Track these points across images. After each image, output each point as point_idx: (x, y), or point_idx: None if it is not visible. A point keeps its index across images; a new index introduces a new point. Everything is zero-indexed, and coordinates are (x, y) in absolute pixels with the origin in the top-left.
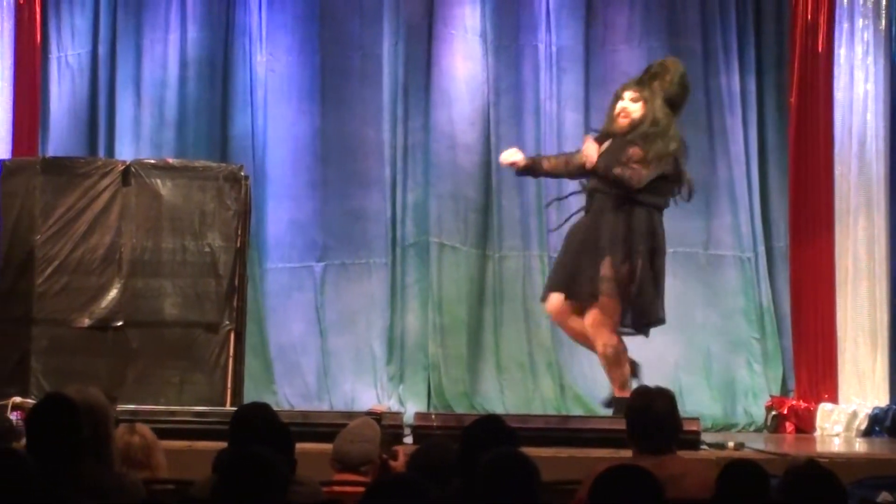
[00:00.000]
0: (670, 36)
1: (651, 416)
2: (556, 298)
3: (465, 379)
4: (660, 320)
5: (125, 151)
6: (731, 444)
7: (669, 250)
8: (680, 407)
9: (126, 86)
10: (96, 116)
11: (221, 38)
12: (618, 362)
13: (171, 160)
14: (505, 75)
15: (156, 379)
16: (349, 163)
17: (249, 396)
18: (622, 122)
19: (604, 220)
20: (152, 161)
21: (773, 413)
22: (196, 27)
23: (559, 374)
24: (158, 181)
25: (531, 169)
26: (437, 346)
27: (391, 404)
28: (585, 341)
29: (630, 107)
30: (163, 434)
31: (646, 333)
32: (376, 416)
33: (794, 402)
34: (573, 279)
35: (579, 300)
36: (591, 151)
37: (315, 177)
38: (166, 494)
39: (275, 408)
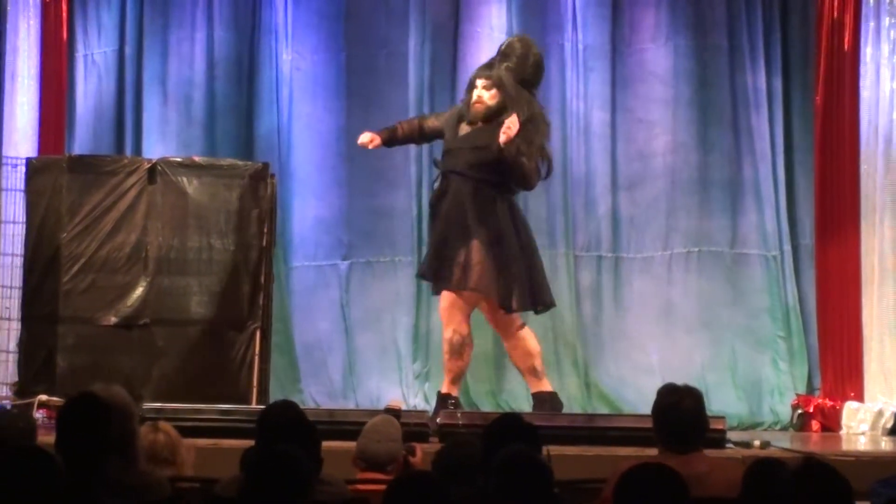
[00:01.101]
0: (696, 34)
1: (679, 414)
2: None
3: (491, 377)
4: (551, 303)
5: (152, 150)
6: (756, 442)
7: (695, 249)
8: (706, 406)
9: (153, 84)
10: (123, 115)
11: (248, 36)
12: (459, 354)
13: (197, 158)
14: None
15: (181, 377)
16: (374, 161)
17: (275, 394)
18: (478, 108)
19: (467, 203)
20: (178, 159)
21: (799, 411)
22: (223, 26)
23: (585, 372)
24: (185, 179)
25: (388, 142)
26: None
27: (417, 402)
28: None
29: (484, 94)
30: (188, 432)
31: (536, 312)
32: (395, 413)
33: (819, 401)
34: (441, 266)
35: (447, 287)
36: (513, 126)
37: (340, 175)
38: (192, 492)
39: (301, 406)
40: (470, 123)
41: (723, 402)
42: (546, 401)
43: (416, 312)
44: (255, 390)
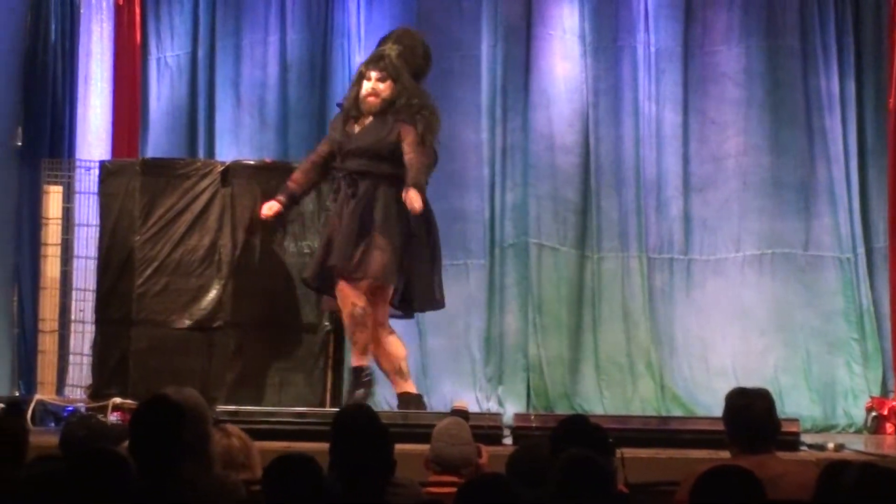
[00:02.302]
0: (768, 36)
1: (751, 416)
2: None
3: (565, 380)
4: (440, 302)
5: (225, 153)
6: (831, 445)
7: (768, 251)
8: (779, 408)
9: (225, 87)
10: (195, 118)
11: (320, 39)
12: (364, 325)
13: (269, 160)
14: (604, 76)
15: (255, 380)
16: (447, 163)
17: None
18: (372, 101)
19: (376, 203)
20: (251, 162)
21: (873, 414)
22: (295, 29)
23: (658, 374)
24: (257, 182)
25: (290, 200)
26: (537, 346)
27: (490, 405)
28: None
29: (379, 86)
30: (262, 435)
31: (409, 315)
32: (464, 415)
33: (894, 403)
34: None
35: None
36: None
37: None
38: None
39: (374, 409)
40: (359, 119)
41: (797, 404)
42: (411, 402)
43: (489, 315)
44: (328, 393)
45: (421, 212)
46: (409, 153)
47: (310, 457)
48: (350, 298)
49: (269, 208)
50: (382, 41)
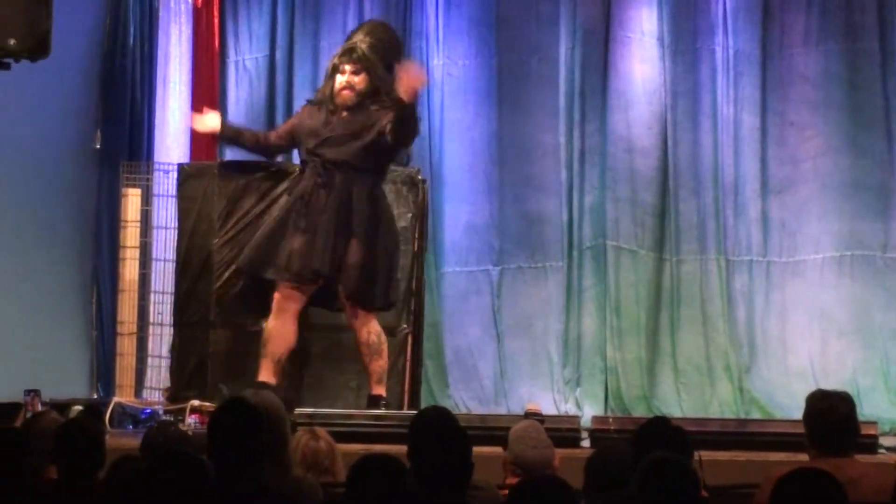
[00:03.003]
0: (847, 38)
1: (832, 420)
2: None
3: (643, 382)
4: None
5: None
6: None
7: (847, 253)
8: (857, 411)
9: (303, 90)
10: (273, 120)
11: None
12: (380, 353)
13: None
14: (682, 79)
15: (333, 382)
16: (525, 166)
17: (426, 400)
18: (347, 94)
19: (354, 198)
20: None
21: None
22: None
23: (737, 376)
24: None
25: (231, 138)
26: (615, 349)
27: (568, 408)
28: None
29: (353, 79)
30: (340, 438)
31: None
32: (539, 417)
33: None
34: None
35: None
36: (418, 78)
37: (492, 180)
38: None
39: (452, 411)
40: (336, 112)
41: (875, 406)
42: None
43: (567, 318)
44: (406, 395)
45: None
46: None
47: (394, 457)
48: (370, 322)
49: (209, 122)
50: (353, 33)
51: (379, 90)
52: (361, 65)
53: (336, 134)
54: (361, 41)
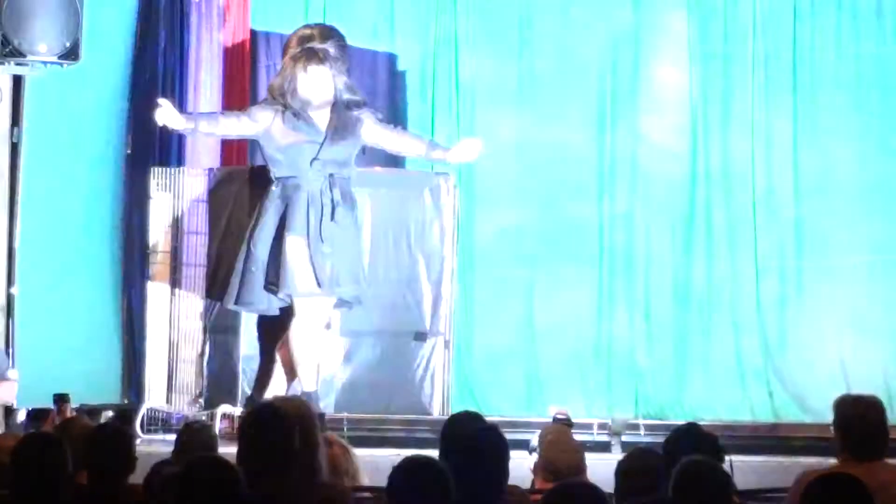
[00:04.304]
0: (878, 42)
1: (864, 425)
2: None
3: (674, 387)
4: None
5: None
6: None
7: (878, 257)
8: (889, 414)
9: None
10: None
11: (429, 46)
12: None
13: (380, 168)
14: (712, 83)
15: (364, 387)
16: (557, 170)
17: (457, 404)
18: (322, 95)
19: (345, 203)
20: (361, 169)
21: None
22: (403, 35)
23: (768, 380)
24: (367, 189)
25: (189, 122)
26: (646, 354)
27: (599, 413)
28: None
29: (321, 79)
30: (371, 443)
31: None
32: (567, 422)
33: None
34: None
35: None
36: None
37: (523, 185)
38: (368, 502)
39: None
40: (299, 115)
41: None
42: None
43: (599, 323)
44: (437, 400)
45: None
46: (390, 130)
47: (436, 461)
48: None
49: (168, 116)
50: (308, 38)
51: (347, 92)
52: (329, 66)
53: (334, 142)
54: (325, 44)
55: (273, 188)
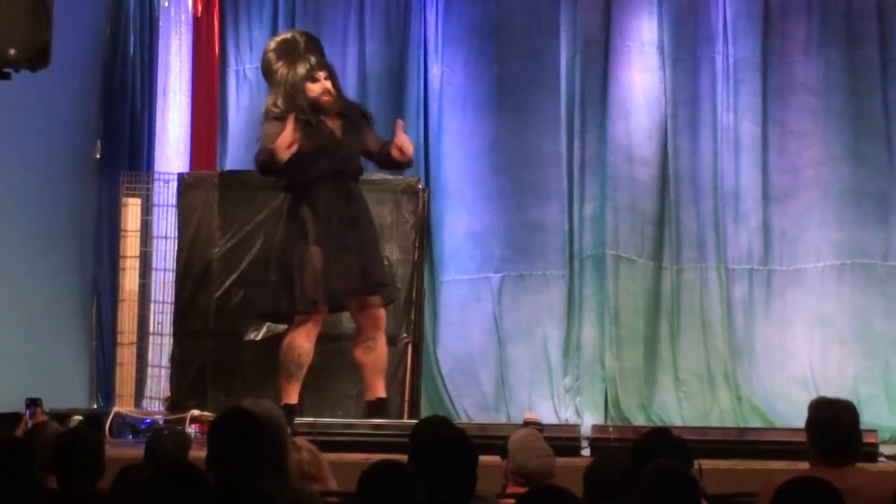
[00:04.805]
0: (848, 46)
1: (836, 428)
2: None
3: (642, 391)
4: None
5: None
6: None
7: (847, 261)
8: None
9: None
10: None
11: (398, 51)
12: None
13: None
14: (682, 87)
15: (333, 392)
16: (526, 174)
17: (426, 408)
18: (328, 99)
19: (363, 204)
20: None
21: None
22: (374, 40)
23: (736, 385)
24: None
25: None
26: (614, 357)
27: (568, 416)
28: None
29: (329, 84)
30: (340, 447)
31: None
32: (538, 426)
33: None
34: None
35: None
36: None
37: (491, 188)
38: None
39: (452, 420)
40: (317, 122)
41: (875, 414)
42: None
43: (568, 326)
44: (406, 404)
45: None
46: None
47: (404, 465)
48: (384, 336)
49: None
50: (310, 47)
51: (343, 98)
52: (329, 72)
53: (348, 151)
54: (316, 51)
55: (298, 194)
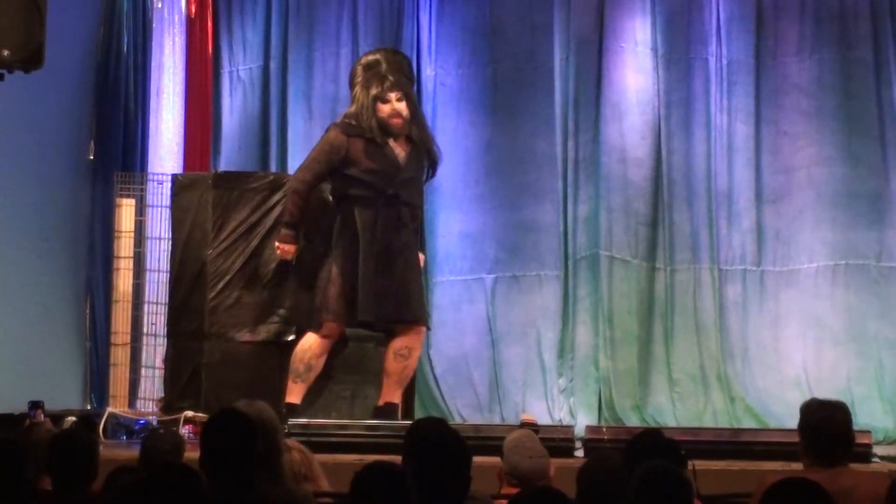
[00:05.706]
0: (840, 47)
1: (830, 429)
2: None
3: (636, 392)
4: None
5: (297, 166)
6: None
7: (841, 262)
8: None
9: (297, 100)
10: (268, 131)
11: None
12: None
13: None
14: (675, 88)
15: (327, 393)
16: (520, 175)
17: (419, 409)
18: (398, 122)
19: (407, 233)
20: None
21: None
22: (367, 42)
23: (729, 386)
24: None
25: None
26: (608, 358)
27: (562, 416)
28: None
29: (401, 107)
30: (334, 448)
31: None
32: (534, 427)
33: None
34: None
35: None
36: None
37: (486, 189)
38: None
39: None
40: (384, 144)
41: (869, 415)
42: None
43: (562, 327)
44: (400, 406)
45: None
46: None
47: (397, 466)
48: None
49: (288, 253)
50: (393, 67)
51: (417, 118)
52: (402, 91)
53: (409, 175)
54: (399, 69)
55: (348, 210)
